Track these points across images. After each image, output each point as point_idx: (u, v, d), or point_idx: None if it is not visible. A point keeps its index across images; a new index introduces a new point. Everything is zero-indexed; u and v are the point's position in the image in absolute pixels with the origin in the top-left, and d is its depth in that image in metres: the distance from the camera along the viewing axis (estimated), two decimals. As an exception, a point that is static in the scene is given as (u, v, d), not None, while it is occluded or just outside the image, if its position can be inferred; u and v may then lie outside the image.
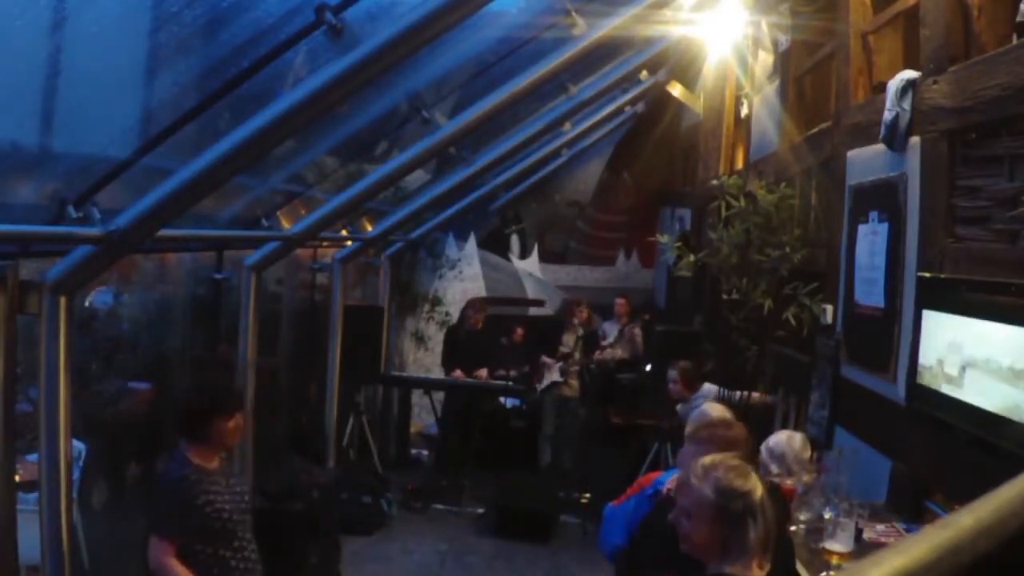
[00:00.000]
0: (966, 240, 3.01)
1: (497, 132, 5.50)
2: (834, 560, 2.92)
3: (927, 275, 3.18)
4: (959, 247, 3.04)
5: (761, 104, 5.97)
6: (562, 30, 3.74)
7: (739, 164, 6.73)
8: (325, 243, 6.38)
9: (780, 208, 4.91)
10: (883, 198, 3.64)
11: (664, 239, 6.98)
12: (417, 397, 8.28)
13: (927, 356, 3.06)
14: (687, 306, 7.65)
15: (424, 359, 8.96)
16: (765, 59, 5.92)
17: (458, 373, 7.50)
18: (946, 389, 2.89)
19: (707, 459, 2.05)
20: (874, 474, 3.51)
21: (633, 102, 7.56)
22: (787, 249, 4.75)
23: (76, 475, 3.58)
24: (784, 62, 5.44)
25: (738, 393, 5.08)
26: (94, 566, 3.88)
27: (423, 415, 8.42)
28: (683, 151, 9.03)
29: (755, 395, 5.14)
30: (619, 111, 7.48)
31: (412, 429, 8.37)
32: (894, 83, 3.44)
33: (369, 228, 6.67)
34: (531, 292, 9.69)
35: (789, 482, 3.41)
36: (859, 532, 3.00)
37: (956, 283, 2.97)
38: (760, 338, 5.11)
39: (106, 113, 2.65)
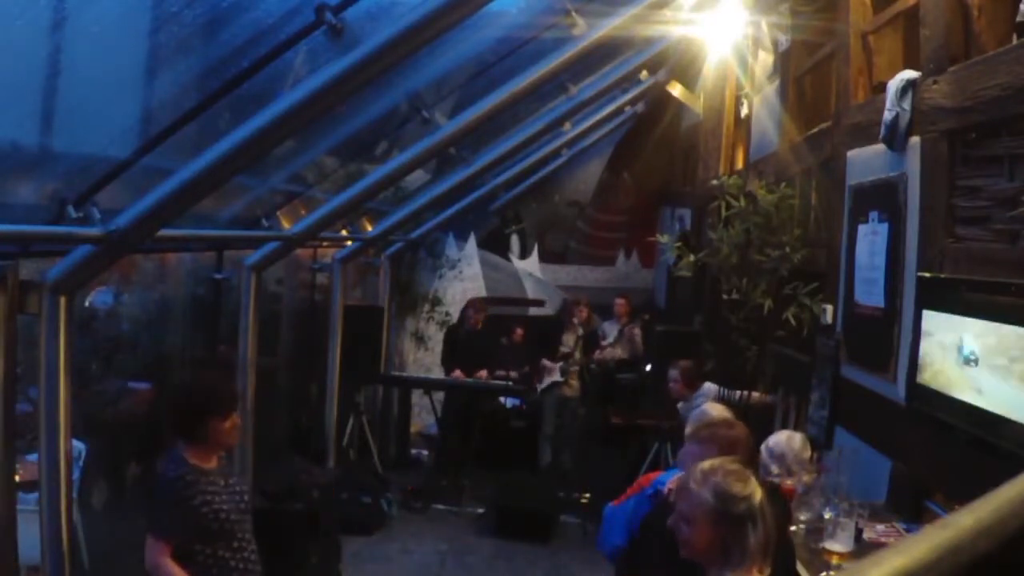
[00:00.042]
0: (966, 240, 3.01)
1: (497, 132, 5.50)
2: (834, 560, 2.92)
3: (927, 275, 3.18)
4: (959, 247, 3.04)
5: (761, 104, 5.97)
6: (562, 30, 3.74)
7: (739, 164, 6.73)
8: (325, 243, 6.38)
9: (780, 208, 4.91)
10: (883, 198, 3.64)
11: (664, 239, 6.98)
12: (417, 397, 8.28)
13: (927, 356, 3.06)
14: (687, 306, 7.65)
15: (424, 359, 8.96)
16: (765, 59, 5.92)
17: (458, 373, 7.50)
18: (946, 389, 2.90)
19: (706, 464, 2.05)
20: (874, 474, 3.51)
21: (633, 102, 7.56)
22: (787, 249, 4.75)
23: (76, 475, 3.58)
24: (784, 62, 5.44)
25: (738, 393, 5.08)
26: (94, 566, 3.88)
27: (423, 415, 8.42)
28: (683, 151, 9.03)
29: (755, 395, 5.14)
30: (619, 111, 7.48)
31: (412, 429, 8.37)
32: (894, 83, 3.44)
33: (369, 228, 6.67)
34: (531, 292, 9.69)
35: (789, 482, 3.41)
36: (859, 532, 3.00)
37: (956, 283, 2.97)
38: (760, 338, 5.11)
39: (106, 113, 2.65)
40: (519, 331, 8.27)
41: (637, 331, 8.05)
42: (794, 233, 4.82)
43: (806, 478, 3.49)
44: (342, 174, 5.22)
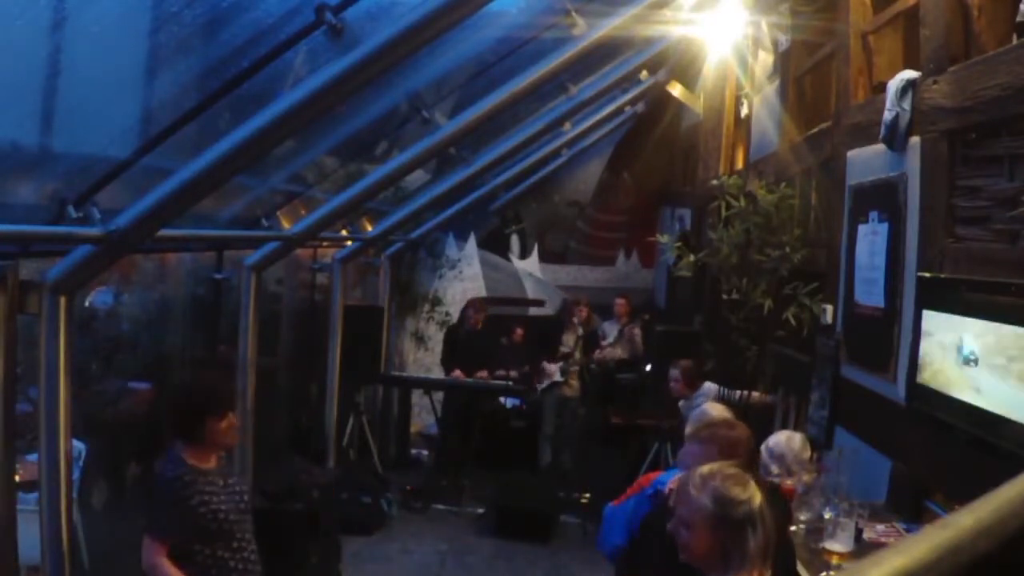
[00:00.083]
0: (966, 240, 3.01)
1: (497, 132, 5.50)
2: (834, 560, 2.92)
3: (927, 275, 3.18)
4: (959, 247, 3.04)
5: (761, 104, 5.97)
6: (562, 30, 3.74)
7: (739, 164, 6.73)
8: (325, 243, 6.38)
9: (780, 208, 4.91)
10: (883, 198, 3.64)
11: (664, 239, 6.98)
12: (417, 397, 8.28)
13: (927, 356, 3.06)
14: (687, 306, 7.65)
15: (424, 359, 8.96)
16: (765, 59, 5.92)
17: (458, 373, 7.50)
18: (946, 389, 2.90)
19: (704, 468, 2.04)
20: (874, 474, 3.51)
21: (633, 102, 7.56)
22: (787, 249, 4.76)
23: (76, 475, 3.58)
24: (784, 62, 5.44)
25: (738, 393, 5.08)
26: (94, 566, 3.88)
27: (423, 415, 8.42)
28: (683, 151, 9.03)
29: (755, 395, 5.15)
30: (619, 111, 7.48)
31: (412, 429, 8.37)
32: (894, 83, 3.44)
33: (369, 228, 6.67)
34: (531, 292, 9.69)
35: (789, 482, 3.42)
36: (859, 532, 3.00)
37: (956, 283, 2.97)
38: (760, 338, 5.11)
39: (106, 113, 2.65)
40: (519, 331, 8.27)
41: (637, 331, 8.05)
42: (794, 233, 4.82)
43: (806, 478, 3.49)
44: (342, 174, 5.22)
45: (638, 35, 4.70)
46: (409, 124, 4.60)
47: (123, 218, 2.64)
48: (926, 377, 3.06)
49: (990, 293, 2.71)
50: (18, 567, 2.70)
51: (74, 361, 2.84)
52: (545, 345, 7.83)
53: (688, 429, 3.04)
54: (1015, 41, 2.72)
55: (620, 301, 8.22)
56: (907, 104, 3.37)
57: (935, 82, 3.19)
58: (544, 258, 9.73)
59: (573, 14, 3.64)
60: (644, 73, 6.52)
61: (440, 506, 6.74)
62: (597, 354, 7.79)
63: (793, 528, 3.11)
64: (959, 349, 2.82)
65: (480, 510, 6.63)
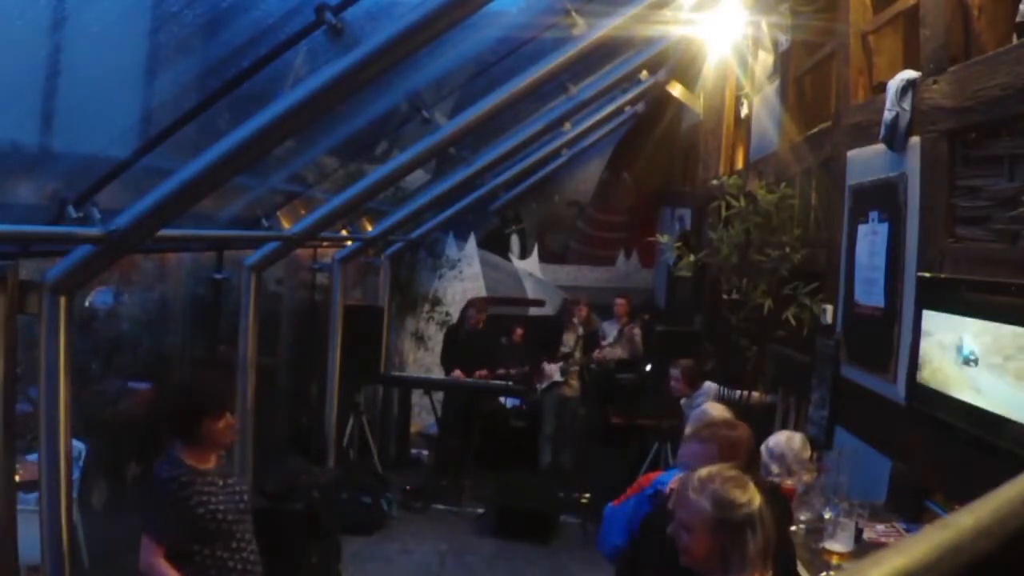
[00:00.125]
0: (966, 240, 3.01)
1: (497, 132, 5.50)
2: (834, 560, 2.92)
3: (927, 275, 3.18)
4: (959, 247, 3.04)
5: (761, 104, 5.97)
6: (562, 30, 3.74)
7: (739, 164, 6.73)
8: (325, 243, 6.38)
9: (780, 208, 4.91)
10: (883, 198, 3.64)
11: (664, 239, 6.98)
12: (417, 397, 8.28)
13: (927, 356, 3.06)
14: (687, 306, 7.65)
15: (424, 359, 8.96)
16: (765, 59, 5.92)
17: (458, 373, 7.50)
18: (946, 389, 2.90)
19: (704, 471, 2.04)
20: (874, 474, 3.51)
21: (633, 102, 7.56)
22: (787, 249, 4.75)
23: (76, 475, 3.58)
24: (784, 62, 5.44)
25: (738, 393, 5.08)
26: (94, 566, 3.88)
27: (423, 415, 8.42)
28: (683, 151, 9.03)
29: (755, 395, 5.15)
30: (619, 111, 7.48)
31: (412, 429, 8.37)
32: (894, 83, 3.44)
33: (369, 228, 6.67)
34: (531, 292, 9.69)
35: (789, 482, 3.42)
36: (859, 532, 3.00)
37: (956, 283, 2.97)
38: (760, 338, 5.11)
39: (106, 113, 2.65)
40: (519, 331, 8.28)
41: (637, 331, 8.04)
42: (794, 233, 4.82)
43: (806, 478, 3.49)
44: (342, 174, 5.22)
45: (638, 35, 4.70)
46: (409, 124, 4.60)
47: (123, 218, 2.63)
48: (926, 377, 3.06)
49: (990, 293, 2.71)
50: (18, 567, 2.70)
51: (74, 361, 2.83)
52: (545, 345, 7.83)
53: (688, 429, 3.04)
54: (1015, 41, 2.73)
55: (620, 301, 8.22)
56: (907, 104, 3.37)
57: (935, 82, 3.19)
58: (544, 258, 9.73)
59: (573, 14, 3.64)
60: (644, 73, 6.52)
61: (440, 506, 6.74)
62: (597, 354, 7.78)
63: (793, 528, 3.11)
64: (959, 349, 2.82)
65: (480, 510, 6.63)
